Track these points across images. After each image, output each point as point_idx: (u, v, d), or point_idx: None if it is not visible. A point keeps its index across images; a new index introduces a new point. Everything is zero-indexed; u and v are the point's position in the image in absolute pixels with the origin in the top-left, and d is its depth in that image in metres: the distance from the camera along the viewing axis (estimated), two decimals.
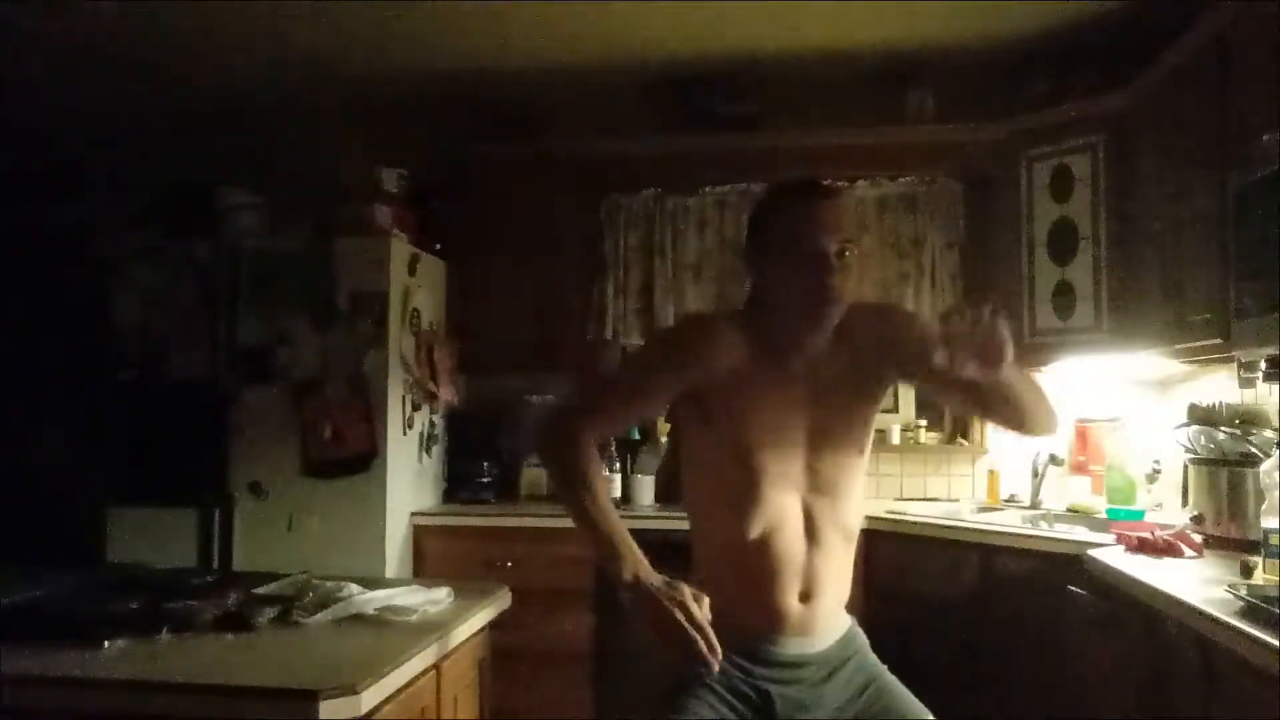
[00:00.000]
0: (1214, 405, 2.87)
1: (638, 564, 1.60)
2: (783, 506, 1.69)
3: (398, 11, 3.25)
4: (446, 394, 3.77)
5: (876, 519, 3.40)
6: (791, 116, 3.86)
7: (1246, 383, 2.59)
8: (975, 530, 3.18)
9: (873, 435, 1.81)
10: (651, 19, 3.34)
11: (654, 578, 1.58)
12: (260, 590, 2.02)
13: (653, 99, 3.93)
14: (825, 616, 1.73)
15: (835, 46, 3.56)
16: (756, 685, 1.68)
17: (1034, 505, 3.55)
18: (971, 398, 1.69)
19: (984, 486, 3.78)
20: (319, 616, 1.87)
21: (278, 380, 3.43)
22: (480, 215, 3.87)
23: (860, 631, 1.82)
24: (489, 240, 3.85)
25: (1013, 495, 3.70)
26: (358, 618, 1.90)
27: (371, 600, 1.94)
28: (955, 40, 3.51)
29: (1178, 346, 2.84)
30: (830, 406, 1.71)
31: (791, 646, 1.70)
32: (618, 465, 3.69)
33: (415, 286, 3.61)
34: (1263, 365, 2.41)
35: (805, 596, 1.70)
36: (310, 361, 3.42)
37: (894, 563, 3.30)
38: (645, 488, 3.69)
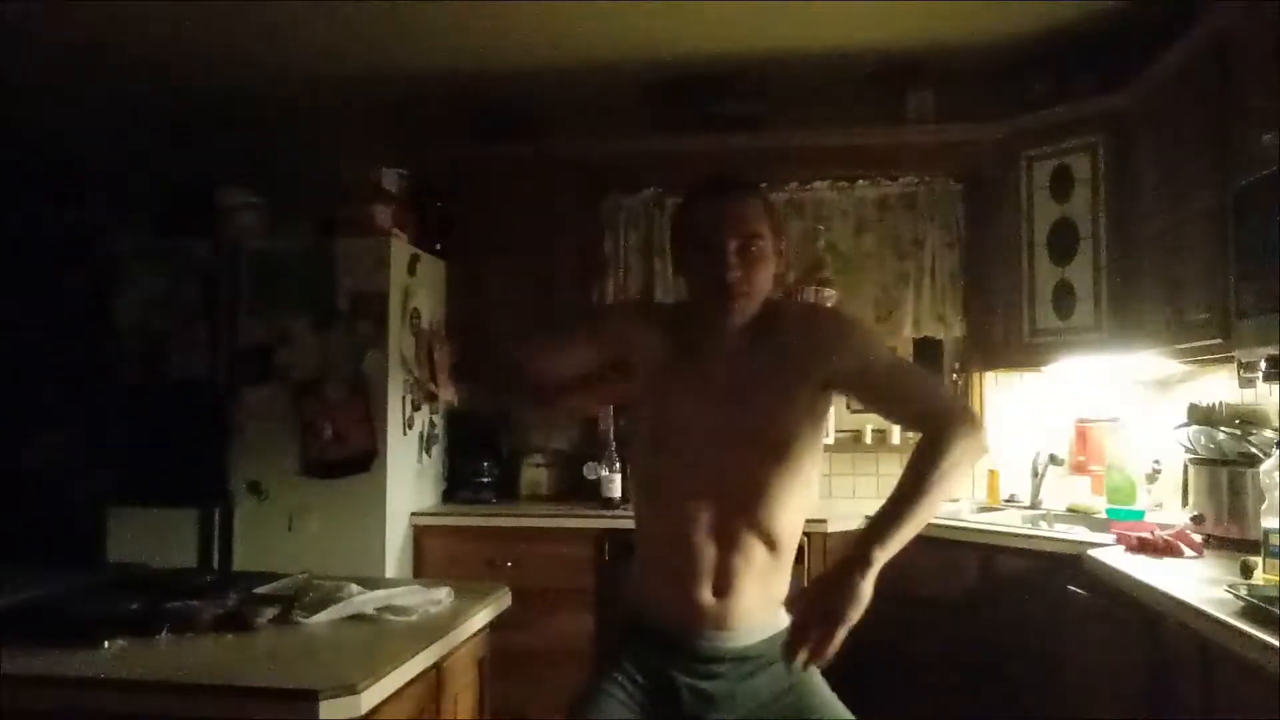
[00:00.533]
0: (1214, 405, 2.87)
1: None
2: (688, 497, 1.67)
3: (398, 11, 3.25)
4: (446, 394, 3.77)
5: None
6: (792, 117, 3.86)
7: (1246, 383, 2.59)
8: (975, 530, 3.18)
9: (815, 441, 1.72)
10: (651, 19, 3.34)
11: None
12: (260, 590, 2.02)
13: (653, 99, 3.92)
14: (745, 613, 1.68)
15: (835, 46, 3.56)
16: (665, 673, 1.68)
17: (1034, 505, 3.55)
18: (896, 418, 1.72)
19: (984, 486, 3.78)
20: (319, 616, 1.87)
21: (278, 380, 3.43)
22: (480, 215, 3.87)
23: None
24: (489, 240, 3.85)
25: (1013, 495, 3.69)
26: (358, 618, 1.90)
27: (371, 600, 1.94)
28: (955, 40, 3.51)
29: (1177, 346, 2.84)
30: (746, 404, 1.68)
31: (706, 639, 1.68)
32: (618, 465, 3.69)
33: (415, 286, 3.60)
34: (1263, 365, 2.41)
35: (718, 592, 1.67)
36: (310, 361, 3.42)
37: (893, 563, 3.24)
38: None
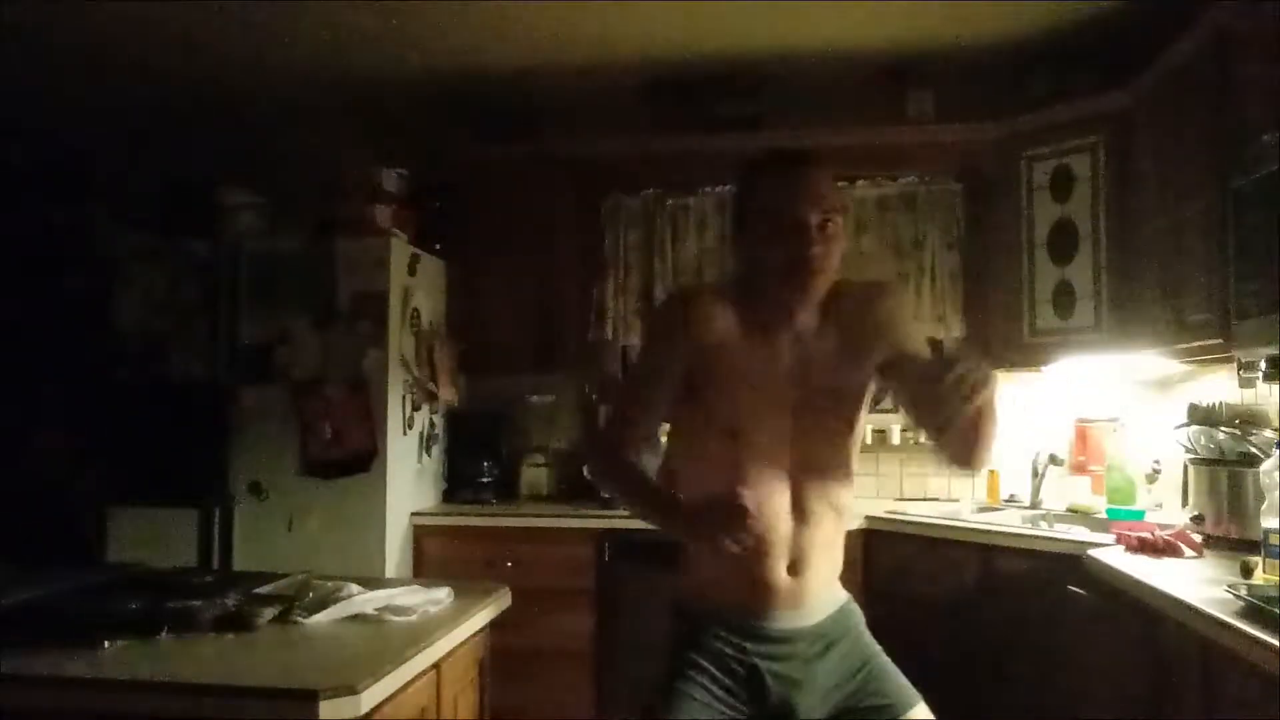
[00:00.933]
0: (1214, 405, 2.87)
1: (680, 510, 1.67)
2: (768, 479, 1.66)
3: (398, 12, 3.25)
4: (446, 394, 3.77)
5: (876, 519, 3.40)
6: (792, 117, 3.85)
7: (1246, 383, 2.60)
8: (975, 530, 3.18)
9: (865, 415, 1.76)
10: (651, 19, 3.34)
11: (696, 504, 1.63)
12: (260, 590, 2.02)
13: (653, 99, 3.92)
14: (816, 590, 1.70)
15: (835, 46, 3.56)
16: (746, 661, 1.66)
17: (1034, 505, 3.55)
18: (930, 418, 1.62)
19: (984, 486, 3.78)
20: (319, 616, 1.87)
21: (278, 380, 3.43)
22: (480, 215, 3.87)
23: (856, 609, 1.79)
24: (489, 240, 3.85)
25: (1013, 495, 3.69)
26: (358, 618, 1.90)
27: (371, 600, 1.94)
28: (955, 40, 3.51)
29: (1177, 346, 2.84)
30: (817, 381, 1.68)
31: (781, 620, 1.67)
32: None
33: (415, 286, 3.61)
34: (1263, 365, 2.41)
35: (794, 569, 1.67)
36: (310, 361, 3.42)
37: (894, 562, 3.29)
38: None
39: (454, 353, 3.84)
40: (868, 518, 3.40)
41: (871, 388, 1.74)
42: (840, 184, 3.76)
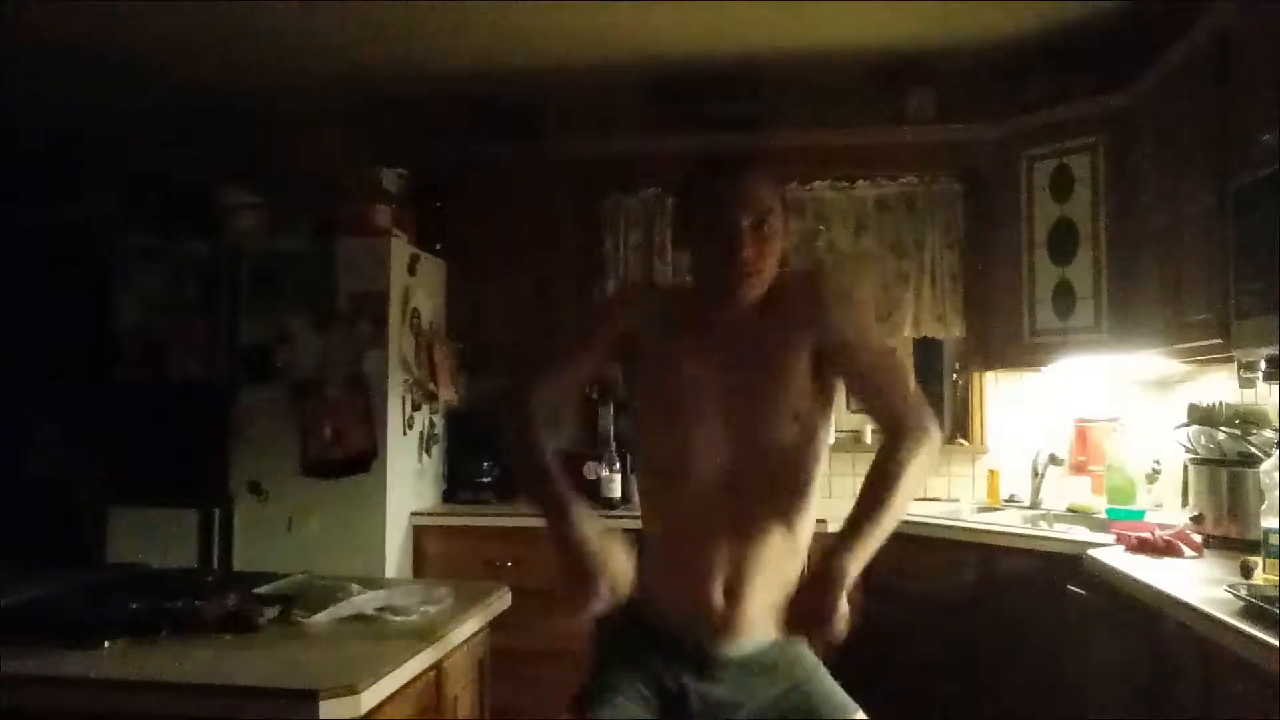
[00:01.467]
0: (1214, 405, 2.87)
1: (566, 524, 1.59)
2: (703, 485, 1.61)
3: (398, 12, 3.25)
4: (447, 394, 3.77)
5: None
6: (791, 117, 3.86)
7: (1246, 383, 2.59)
8: (975, 530, 3.18)
9: (825, 424, 1.67)
10: (651, 19, 3.34)
11: (578, 540, 1.58)
12: (260, 590, 2.03)
13: (653, 99, 3.93)
14: (756, 617, 1.61)
15: (835, 46, 3.56)
16: (677, 680, 1.63)
17: (1034, 505, 3.55)
18: (868, 407, 1.69)
19: (984, 486, 3.78)
20: (319, 616, 1.87)
21: (278, 380, 3.44)
22: (480, 215, 3.88)
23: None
24: (489, 240, 3.85)
25: (1013, 495, 3.69)
26: (358, 618, 1.90)
27: (371, 600, 1.94)
28: (955, 40, 3.51)
29: (1177, 346, 2.84)
30: (755, 376, 1.63)
31: (716, 646, 1.63)
32: (618, 465, 3.69)
33: (415, 286, 3.61)
34: (1263, 365, 2.41)
35: (730, 594, 1.61)
36: (310, 361, 3.42)
37: (893, 563, 3.22)
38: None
39: (454, 352, 3.84)
40: None
41: (819, 387, 1.65)
42: (841, 183, 3.77)
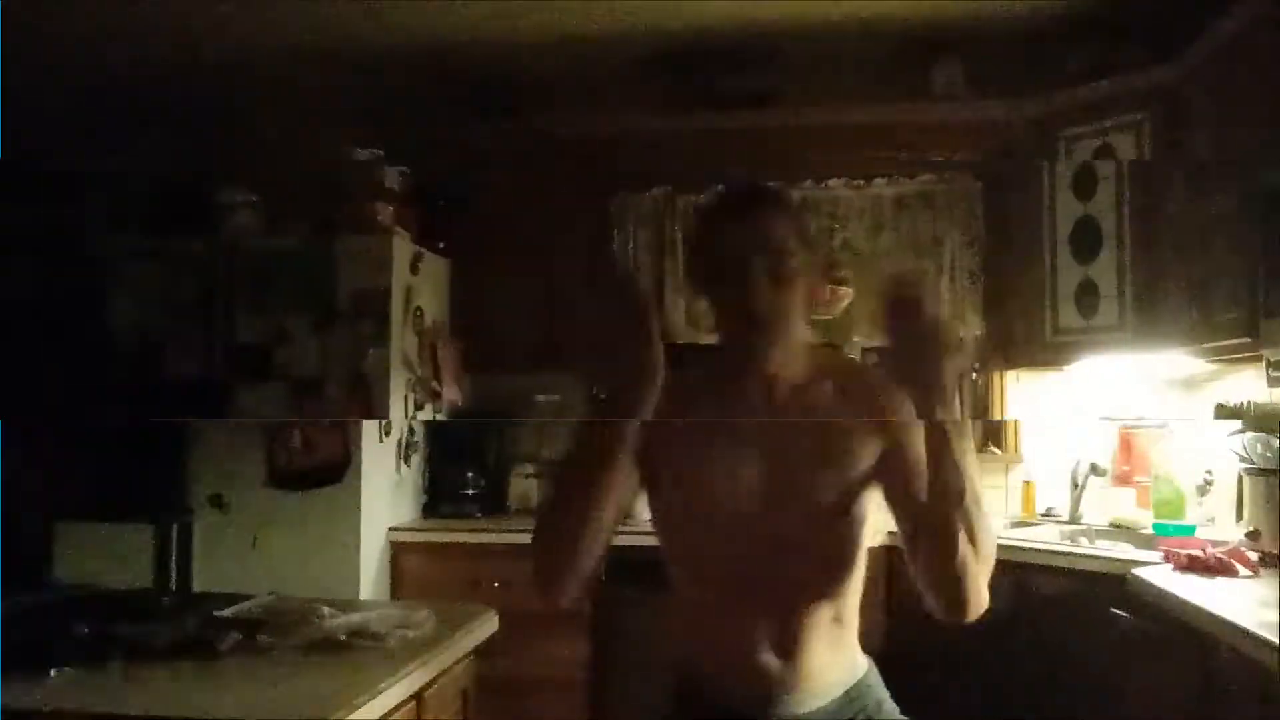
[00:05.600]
0: (1242, 404, 2.90)
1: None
2: (741, 574, 1.57)
3: (401, 8, 3.32)
4: (451, 393, 3.81)
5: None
6: (809, 93, 3.86)
7: (1275, 382, 2.62)
8: (1009, 547, 3.15)
9: (870, 504, 1.62)
10: (663, 6, 3.36)
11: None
12: (222, 613, 2.02)
13: (660, 75, 3.94)
14: (817, 672, 1.59)
15: (856, 16, 3.56)
16: None
17: (1074, 520, 3.55)
18: (909, 525, 1.56)
19: (1018, 499, 3.77)
20: (286, 642, 1.86)
21: (276, 381, 3.46)
22: (484, 213, 3.91)
23: (876, 681, 1.67)
24: (493, 238, 3.89)
25: (1050, 509, 3.68)
26: (328, 643, 1.89)
27: (344, 625, 1.93)
28: (987, 9, 3.50)
29: (1204, 345, 2.89)
30: (797, 464, 1.56)
31: (778, 708, 1.58)
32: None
33: (418, 285, 3.66)
34: None
35: (784, 652, 1.57)
36: (310, 361, 3.45)
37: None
38: (639, 497, 3.68)
39: (458, 351, 3.87)
40: (892, 534, 3.37)
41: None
42: (858, 181, 3.80)
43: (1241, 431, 2.91)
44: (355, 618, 1.96)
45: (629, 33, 3.71)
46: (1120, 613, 2.72)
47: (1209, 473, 3.29)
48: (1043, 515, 3.67)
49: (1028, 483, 3.74)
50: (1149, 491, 3.42)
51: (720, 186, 1.70)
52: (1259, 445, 2.82)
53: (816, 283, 1.63)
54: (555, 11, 3.52)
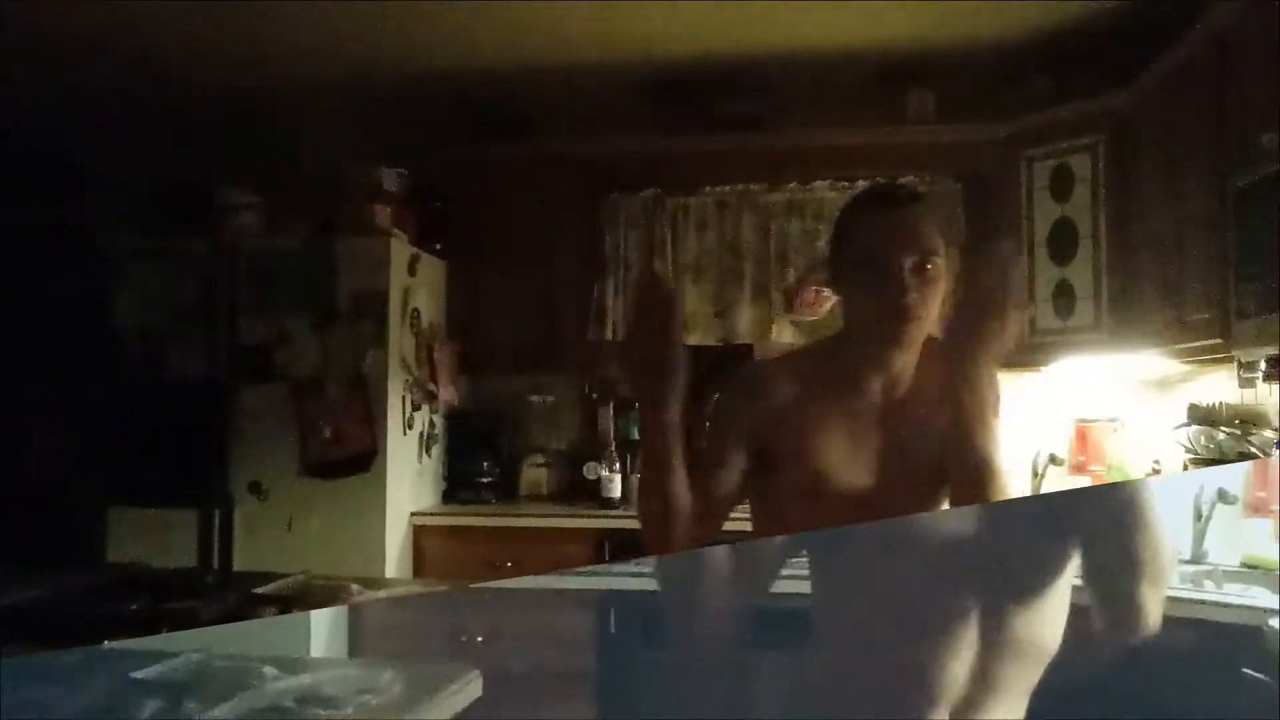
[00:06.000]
0: (1214, 405, 2.87)
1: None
2: None
3: (399, 10, 3.25)
4: (447, 394, 3.78)
5: None
6: (792, 116, 3.85)
7: (1246, 383, 2.60)
8: None
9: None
10: (651, 18, 3.34)
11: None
12: (260, 590, 2.02)
13: (653, 99, 3.92)
14: None
15: (835, 46, 3.56)
16: None
17: (1196, 558, 2.77)
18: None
19: None
20: (219, 711, 1.52)
21: (278, 380, 3.44)
22: (480, 215, 3.87)
23: None
24: (489, 240, 3.85)
25: None
26: (272, 711, 1.52)
27: (292, 688, 1.58)
28: (955, 40, 3.50)
29: (1177, 346, 2.84)
30: (908, 455, 1.51)
31: None
32: (617, 465, 3.69)
33: (415, 286, 3.62)
34: (1263, 365, 2.41)
35: None
36: (310, 361, 3.43)
37: None
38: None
39: (454, 353, 3.84)
40: None
41: None
42: (841, 183, 3.78)
43: (1187, 425, 2.91)
44: (306, 679, 1.59)
45: (624, 60, 3.68)
46: (1253, 673, 2.11)
47: (1157, 462, 3.27)
48: None
49: None
50: None
51: (870, 184, 1.64)
52: (1203, 437, 2.82)
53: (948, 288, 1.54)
54: (554, 39, 3.49)
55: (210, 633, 2.03)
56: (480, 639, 2.76)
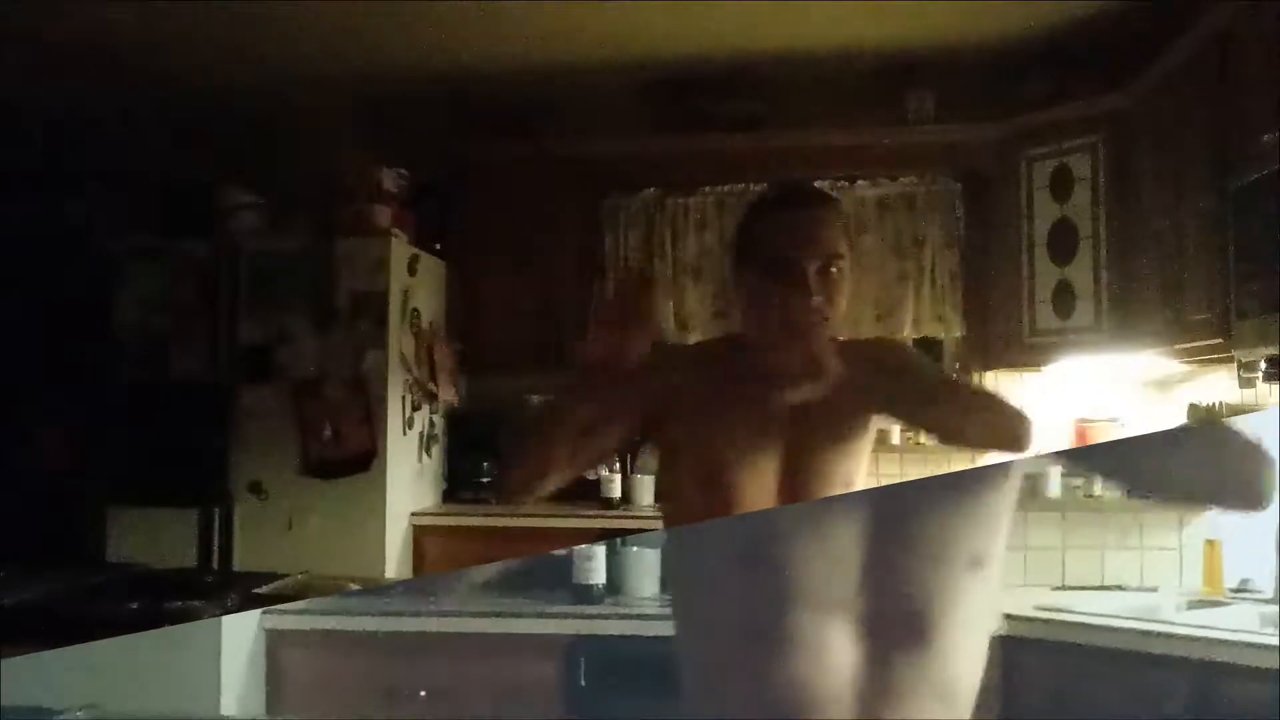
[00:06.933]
0: (1214, 405, 2.87)
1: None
2: None
3: (399, 10, 3.25)
4: (446, 394, 3.78)
5: (1023, 620, 2.45)
6: (792, 117, 3.85)
7: (1246, 383, 2.60)
8: (1185, 639, 2.26)
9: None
10: (651, 19, 3.34)
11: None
12: (260, 590, 2.02)
13: (653, 99, 3.93)
14: None
15: (835, 46, 3.56)
16: None
17: None
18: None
19: (1198, 566, 2.77)
20: None
21: (278, 380, 3.44)
22: (480, 215, 3.88)
23: None
24: (489, 240, 3.86)
25: (1245, 581, 2.68)
26: None
27: None
28: (955, 40, 3.50)
29: (1177, 346, 2.84)
30: (813, 459, 1.49)
31: None
32: (617, 465, 3.69)
33: (415, 287, 3.62)
34: (1263, 365, 2.41)
35: None
36: (310, 361, 3.43)
37: (1051, 688, 2.39)
38: (645, 488, 3.68)
39: (454, 353, 3.85)
40: (1009, 618, 2.47)
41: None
42: (841, 183, 3.78)
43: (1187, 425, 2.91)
44: None
45: (624, 61, 3.69)
46: None
47: None
48: (1235, 591, 2.65)
49: (1211, 543, 2.70)
50: None
51: (776, 184, 1.64)
52: None
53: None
54: (554, 40, 3.49)
55: (109, 677, 1.75)
56: (423, 694, 2.33)
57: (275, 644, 2.42)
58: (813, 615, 1.28)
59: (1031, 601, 2.59)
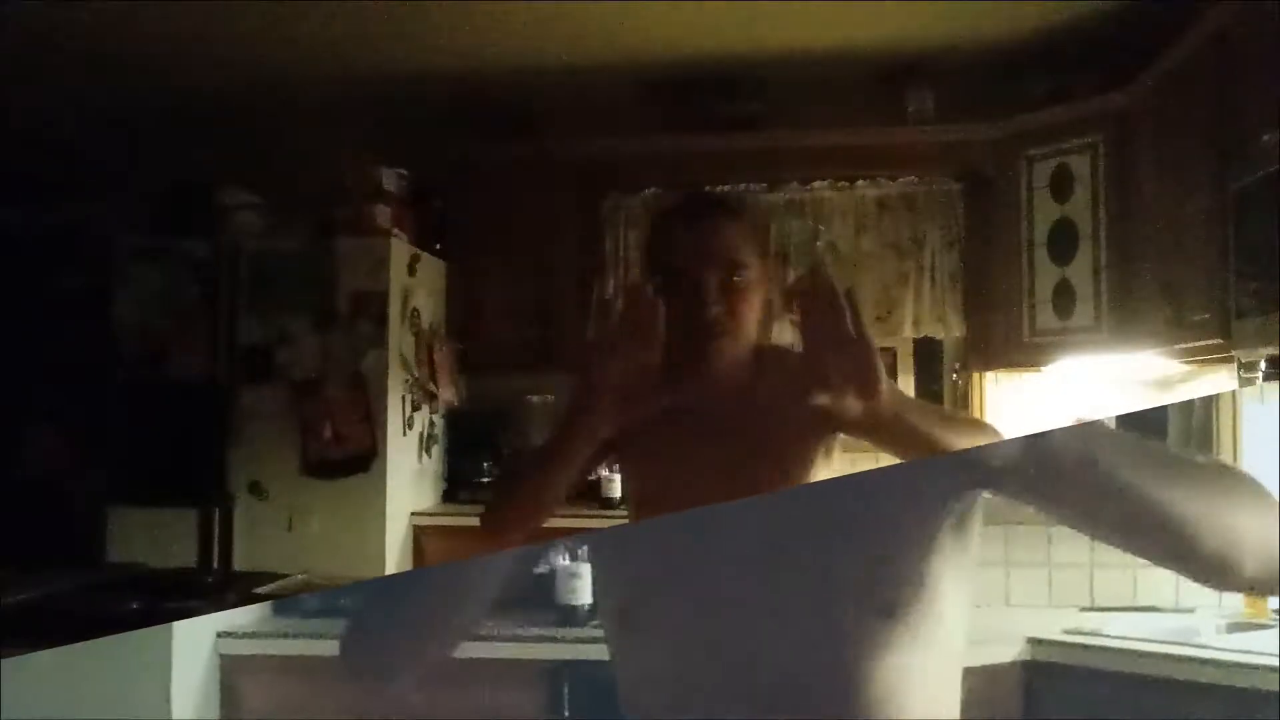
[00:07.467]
0: None
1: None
2: None
3: (399, 10, 3.25)
4: (447, 394, 3.78)
5: (1047, 644, 2.31)
6: (792, 117, 3.86)
7: (1246, 383, 2.60)
8: (1224, 664, 2.10)
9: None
10: (651, 19, 3.34)
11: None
12: (260, 590, 2.02)
13: (653, 99, 3.93)
14: None
15: (835, 46, 3.56)
16: None
17: None
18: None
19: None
20: None
21: (278, 380, 3.44)
22: (480, 215, 3.88)
23: None
24: (489, 240, 3.86)
25: None
26: None
27: None
28: (955, 40, 3.50)
29: (1177, 346, 2.85)
30: (755, 473, 1.41)
31: None
32: (616, 465, 3.68)
33: (415, 286, 3.62)
34: (1263, 365, 2.41)
35: None
36: (310, 361, 3.43)
37: (1079, 716, 2.28)
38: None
39: (454, 353, 3.85)
40: (1032, 641, 2.35)
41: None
42: (841, 183, 3.79)
43: None
44: None
45: (624, 61, 3.68)
46: None
47: None
48: (1277, 612, 2.46)
49: None
50: None
51: (676, 194, 1.61)
52: None
53: (770, 295, 1.44)
54: (554, 39, 3.49)
55: (56, 702, 1.67)
56: None
57: (419, 534, 2.37)
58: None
59: (1057, 624, 2.45)
